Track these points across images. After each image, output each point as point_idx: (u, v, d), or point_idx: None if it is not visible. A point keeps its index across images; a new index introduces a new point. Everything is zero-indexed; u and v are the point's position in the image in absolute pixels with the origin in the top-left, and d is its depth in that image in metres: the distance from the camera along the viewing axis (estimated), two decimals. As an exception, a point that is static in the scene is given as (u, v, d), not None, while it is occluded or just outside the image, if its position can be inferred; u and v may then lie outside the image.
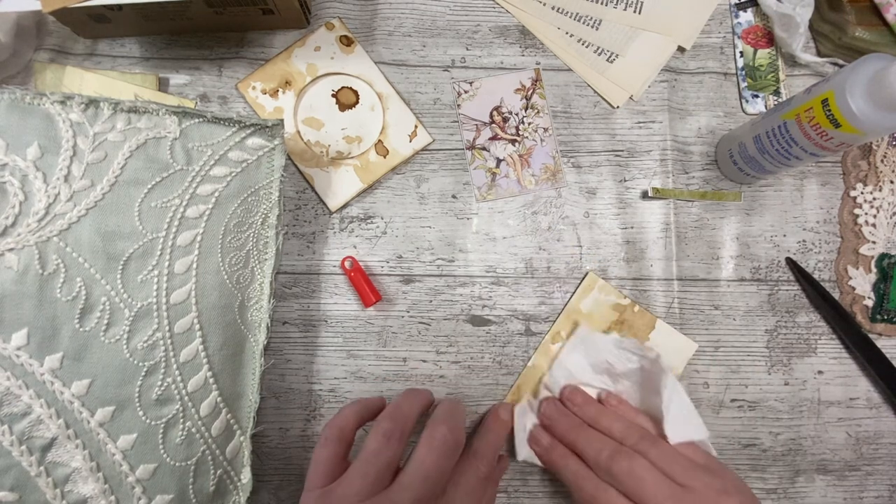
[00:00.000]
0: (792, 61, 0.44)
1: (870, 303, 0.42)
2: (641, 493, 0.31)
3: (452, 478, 0.33)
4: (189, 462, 0.33)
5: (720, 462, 0.34)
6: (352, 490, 0.30)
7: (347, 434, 0.33)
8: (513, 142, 0.43)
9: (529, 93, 0.43)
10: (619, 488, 0.32)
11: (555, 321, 0.41)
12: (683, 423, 0.35)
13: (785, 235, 0.43)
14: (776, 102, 0.44)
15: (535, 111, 0.43)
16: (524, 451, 0.38)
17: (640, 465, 0.32)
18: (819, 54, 0.45)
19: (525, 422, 0.39)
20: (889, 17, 0.41)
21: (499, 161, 0.43)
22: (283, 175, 0.37)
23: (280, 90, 0.41)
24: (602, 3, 0.44)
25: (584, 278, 0.42)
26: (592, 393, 0.39)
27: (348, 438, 0.33)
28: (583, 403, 0.38)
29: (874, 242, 0.42)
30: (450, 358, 0.41)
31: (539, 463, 0.38)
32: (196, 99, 0.41)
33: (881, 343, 0.42)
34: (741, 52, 0.45)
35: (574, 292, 0.42)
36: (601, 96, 0.44)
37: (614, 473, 0.33)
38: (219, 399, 0.34)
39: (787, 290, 0.43)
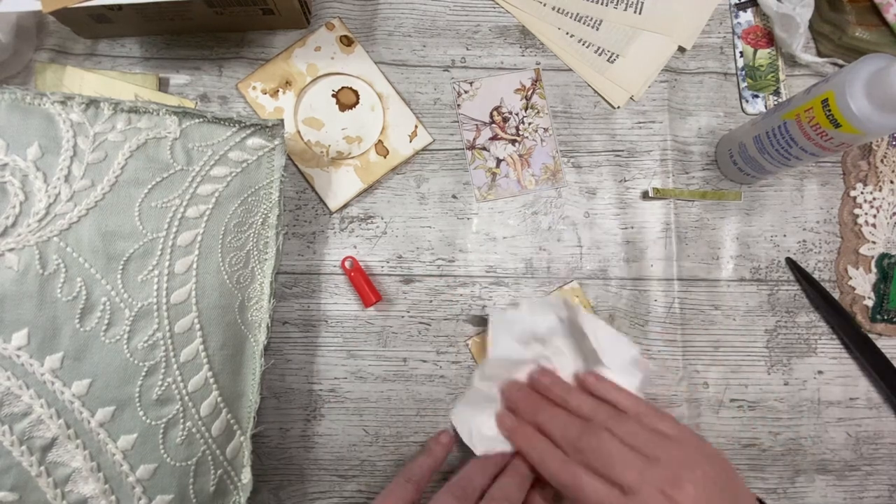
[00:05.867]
0: (792, 61, 0.44)
1: (870, 303, 0.42)
2: (609, 467, 0.31)
3: None
4: (189, 462, 0.33)
5: (691, 431, 0.34)
6: None
7: (423, 485, 0.35)
8: (513, 142, 0.43)
9: (529, 93, 0.43)
10: (587, 464, 0.33)
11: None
12: (615, 346, 0.37)
13: (785, 235, 0.43)
14: (776, 102, 0.44)
15: (536, 111, 0.43)
16: (480, 447, 0.38)
17: (608, 440, 0.32)
18: (819, 54, 0.45)
19: (470, 419, 0.38)
20: (889, 17, 0.41)
21: (499, 161, 0.43)
22: (283, 175, 0.37)
23: (280, 90, 0.41)
24: (602, 4, 0.44)
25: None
26: (527, 369, 0.39)
27: (422, 487, 0.35)
28: (550, 384, 0.38)
29: (874, 242, 0.42)
30: (450, 358, 0.41)
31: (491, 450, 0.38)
32: (196, 99, 0.41)
33: (881, 343, 0.42)
34: (741, 53, 0.45)
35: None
36: (601, 96, 0.44)
37: (582, 450, 0.33)
38: (219, 399, 0.34)
39: (787, 290, 0.43)
